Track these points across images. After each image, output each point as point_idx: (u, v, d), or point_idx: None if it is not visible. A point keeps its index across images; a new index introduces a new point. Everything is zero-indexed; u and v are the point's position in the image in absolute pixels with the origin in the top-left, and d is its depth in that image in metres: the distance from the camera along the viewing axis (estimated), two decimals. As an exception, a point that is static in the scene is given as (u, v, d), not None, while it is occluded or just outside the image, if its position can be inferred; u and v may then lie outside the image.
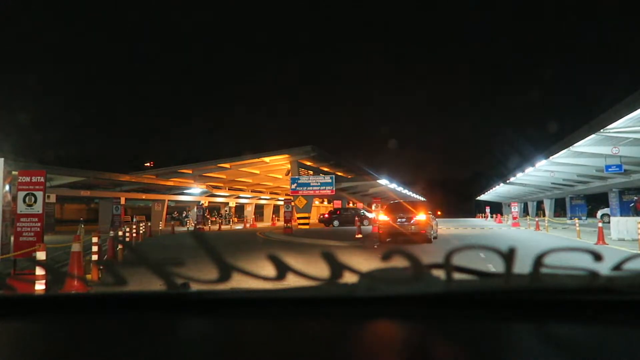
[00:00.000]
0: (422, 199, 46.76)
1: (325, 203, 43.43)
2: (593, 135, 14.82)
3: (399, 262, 0.66)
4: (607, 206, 29.62)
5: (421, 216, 14.07)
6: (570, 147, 17.33)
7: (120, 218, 21.18)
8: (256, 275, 0.66)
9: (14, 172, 8.11)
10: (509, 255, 0.64)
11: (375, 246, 13.11)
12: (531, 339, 0.61)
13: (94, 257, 7.47)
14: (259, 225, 33.94)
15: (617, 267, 0.68)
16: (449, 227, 25.24)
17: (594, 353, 0.56)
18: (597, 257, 0.64)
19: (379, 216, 15.86)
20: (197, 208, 27.70)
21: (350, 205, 35.73)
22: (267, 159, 26.67)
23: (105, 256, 9.44)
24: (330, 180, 24.40)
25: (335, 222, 27.90)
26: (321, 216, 31.45)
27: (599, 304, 0.66)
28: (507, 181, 35.02)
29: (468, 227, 26.81)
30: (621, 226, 14.43)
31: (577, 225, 17.70)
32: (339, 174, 29.76)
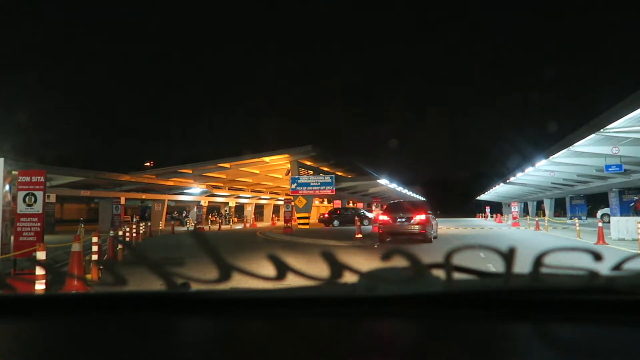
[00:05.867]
0: (422, 198, 46.73)
1: (325, 203, 43.41)
2: (593, 135, 14.82)
3: (399, 262, 0.66)
4: (607, 206, 29.63)
5: (421, 216, 14.07)
6: (570, 147, 17.33)
7: (120, 218, 21.20)
8: (256, 275, 0.66)
9: (14, 172, 8.10)
10: (508, 255, 0.64)
11: (376, 246, 13.11)
12: (531, 339, 0.61)
13: (94, 257, 7.46)
14: (259, 225, 33.93)
15: (617, 267, 0.68)
16: (449, 227, 25.24)
17: (594, 353, 0.56)
18: (597, 257, 0.64)
19: (379, 216, 15.86)
20: (196, 208, 27.70)
21: (350, 205, 35.74)
22: (267, 159, 26.66)
23: (105, 256, 9.44)
24: (330, 180, 24.38)
25: (335, 222, 27.89)
26: (321, 216, 31.43)
27: (599, 304, 0.66)
28: (507, 181, 35.02)
29: (468, 227, 26.80)
30: (621, 226, 14.43)
31: (577, 225, 17.69)
32: (339, 173, 29.75)
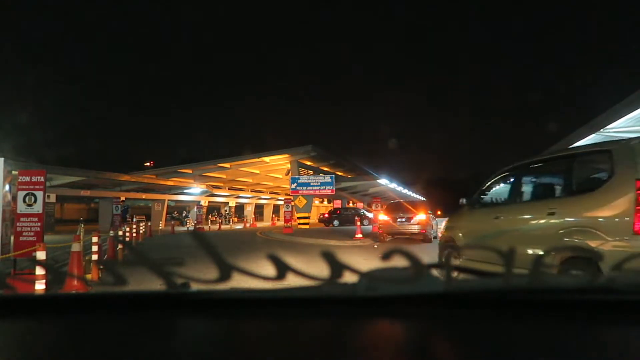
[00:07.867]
0: (422, 198, 46.68)
1: (325, 203, 43.40)
2: (593, 135, 14.82)
3: (399, 262, 0.66)
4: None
5: (421, 216, 14.08)
6: (570, 147, 17.35)
7: (120, 218, 21.19)
8: (256, 275, 0.66)
9: (14, 172, 8.09)
10: (509, 255, 0.64)
11: (375, 246, 13.11)
12: (531, 339, 0.61)
13: (94, 257, 7.46)
14: (259, 225, 33.92)
15: (617, 267, 0.68)
16: (449, 227, 25.19)
17: (594, 353, 0.56)
18: (598, 256, 0.65)
19: (379, 216, 15.86)
20: (196, 207, 27.69)
21: (350, 205, 35.73)
22: (267, 159, 26.65)
23: (106, 256, 9.44)
24: (330, 180, 24.37)
25: (335, 222, 27.88)
26: (321, 216, 31.43)
27: (599, 304, 0.66)
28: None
29: (468, 227, 26.74)
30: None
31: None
32: (339, 173, 29.75)
